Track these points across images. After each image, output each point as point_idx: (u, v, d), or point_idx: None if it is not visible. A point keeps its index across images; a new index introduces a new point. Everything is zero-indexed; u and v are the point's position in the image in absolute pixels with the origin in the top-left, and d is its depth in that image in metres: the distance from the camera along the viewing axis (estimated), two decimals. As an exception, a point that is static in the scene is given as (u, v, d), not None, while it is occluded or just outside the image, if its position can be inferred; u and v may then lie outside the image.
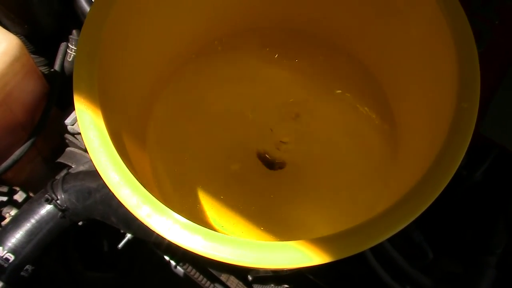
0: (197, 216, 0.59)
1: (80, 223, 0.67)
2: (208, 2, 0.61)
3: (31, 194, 0.69)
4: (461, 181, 0.61)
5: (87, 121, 0.39)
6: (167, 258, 0.71)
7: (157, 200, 0.37)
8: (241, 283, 0.71)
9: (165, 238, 0.35)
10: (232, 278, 0.72)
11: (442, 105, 0.44)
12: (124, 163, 0.38)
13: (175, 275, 0.74)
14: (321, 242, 0.35)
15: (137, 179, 0.37)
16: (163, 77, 0.64)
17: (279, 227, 0.60)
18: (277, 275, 0.70)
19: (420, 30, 0.51)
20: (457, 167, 0.39)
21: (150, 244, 0.68)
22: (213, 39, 0.67)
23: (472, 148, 0.59)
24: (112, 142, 0.38)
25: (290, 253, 0.35)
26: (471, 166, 0.60)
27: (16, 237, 0.59)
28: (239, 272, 0.72)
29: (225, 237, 0.35)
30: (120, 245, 0.70)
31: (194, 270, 0.70)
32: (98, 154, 0.38)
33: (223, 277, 0.71)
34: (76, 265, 0.73)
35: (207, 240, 0.35)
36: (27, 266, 0.60)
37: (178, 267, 0.71)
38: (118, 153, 0.38)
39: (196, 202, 0.61)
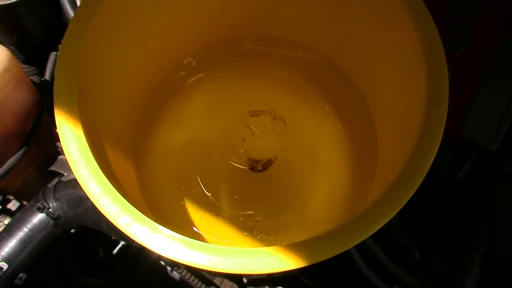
0: (179, 225, 0.60)
1: (73, 231, 0.68)
2: (187, 16, 0.62)
3: (24, 203, 0.70)
4: (445, 181, 0.62)
5: (68, 134, 0.40)
6: (163, 262, 0.72)
7: (136, 210, 0.37)
8: (235, 285, 0.72)
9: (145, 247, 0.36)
10: (225, 281, 0.72)
11: (414, 111, 0.44)
12: (105, 174, 0.38)
13: (171, 279, 0.75)
14: (296, 247, 0.35)
15: (117, 190, 0.38)
16: (148, 88, 0.65)
17: (263, 235, 0.61)
18: (271, 278, 0.70)
19: (390, 37, 0.52)
20: (426, 171, 0.40)
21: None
22: (194, 51, 0.68)
23: (454, 149, 0.60)
24: (93, 154, 0.39)
25: (266, 259, 0.35)
26: (454, 167, 0.61)
27: (9, 246, 0.60)
28: (233, 275, 0.73)
29: (202, 245, 0.36)
30: (115, 251, 0.70)
31: (189, 274, 0.71)
32: (79, 166, 0.39)
33: (217, 280, 0.72)
34: (72, 271, 0.73)
35: (186, 247, 0.36)
36: (21, 274, 0.61)
37: (173, 271, 0.71)
38: (99, 164, 0.39)
39: (179, 210, 0.61)
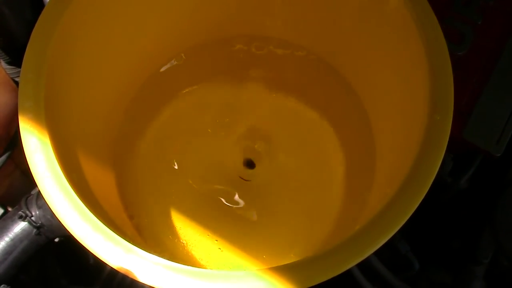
0: (163, 243, 0.57)
1: (57, 239, 0.66)
2: (170, 14, 0.60)
3: (9, 209, 0.68)
4: (447, 188, 0.59)
5: (33, 144, 0.37)
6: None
7: (108, 229, 0.34)
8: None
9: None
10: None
11: (416, 118, 0.42)
12: (75, 188, 0.35)
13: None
14: (286, 270, 0.33)
15: (88, 207, 0.35)
16: (128, 93, 0.62)
17: (249, 255, 0.58)
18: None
19: (390, 36, 0.49)
20: (430, 182, 0.37)
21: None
22: (176, 53, 0.65)
23: (456, 155, 0.58)
24: (61, 166, 0.36)
25: (254, 283, 0.32)
26: (456, 173, 0.58)
27: (-11, 257, 0.58)
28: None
29: (184, 268, 0.33)
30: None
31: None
32: (44, 180, 0.36)
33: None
34: (59, 280, 0.71)
35: (167, 270, 0.33)
36: (2, 286, 0.58)
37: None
38: (68, 178, 0.36)
39: (165, 226, 0.58)
